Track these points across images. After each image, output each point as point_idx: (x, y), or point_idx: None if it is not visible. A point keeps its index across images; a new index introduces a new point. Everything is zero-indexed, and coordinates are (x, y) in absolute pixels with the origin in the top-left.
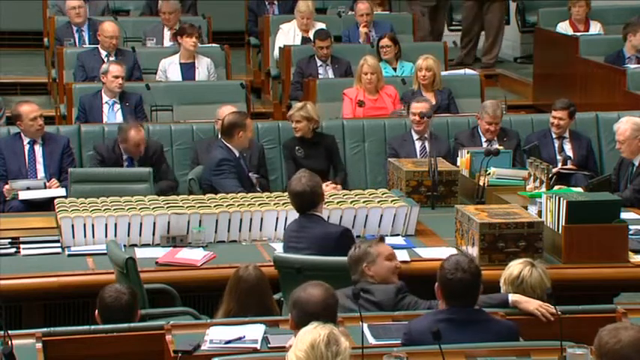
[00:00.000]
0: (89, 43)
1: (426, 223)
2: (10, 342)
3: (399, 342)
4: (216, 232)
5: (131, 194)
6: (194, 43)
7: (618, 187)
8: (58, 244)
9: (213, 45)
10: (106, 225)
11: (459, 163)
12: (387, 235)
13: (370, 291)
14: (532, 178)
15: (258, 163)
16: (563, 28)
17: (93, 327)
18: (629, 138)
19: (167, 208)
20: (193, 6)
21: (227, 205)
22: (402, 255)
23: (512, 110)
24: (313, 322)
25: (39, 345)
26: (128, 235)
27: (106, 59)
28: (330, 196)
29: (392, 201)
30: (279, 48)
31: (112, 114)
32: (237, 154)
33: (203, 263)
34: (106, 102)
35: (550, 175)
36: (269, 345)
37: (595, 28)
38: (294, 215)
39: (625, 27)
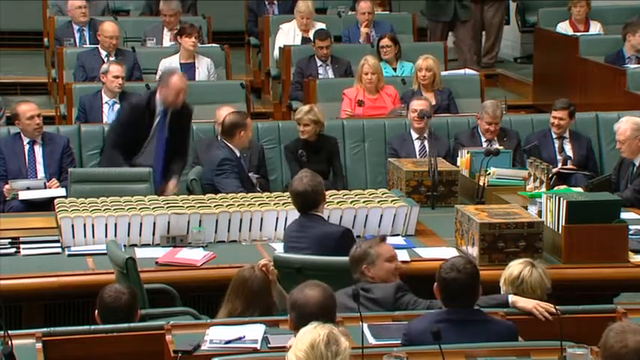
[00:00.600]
0: (90, 43)
1: (426, 223)
2: (10, 342)
3: (399, 342)
4: (216, 232)
5: (131, 194)
6: (194, 43)
7: (618, 187)
8: (58, 244)
9: (213, 45)
10: (106, 225)
11: (459, 163)
12: (387, 235)
13: (369, 289)
14: (532, 178)
15: (258, 163)
16: (563, 28)
17: (93, 327)
18: (629, 138)
19: (167, 208)
20: (193, 6)
21: (227, 205)
22: (402, 255)
23: (512, 110)
24: (313, 322)
25: (39, 345)
26: (128, 235)
27: (106, 59)
28: (330, 196)
29: (392, 201)
30: (279, 48)
31: (112, 114)
32: (238, 154)
33: (203, 263)
34: (106, 102)
35: (550, 175)
36: (269, 345)
37: (595, 28)
38: (294, 215)
39: (624, 27)
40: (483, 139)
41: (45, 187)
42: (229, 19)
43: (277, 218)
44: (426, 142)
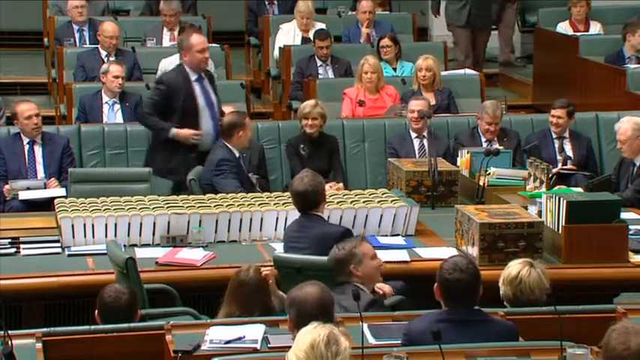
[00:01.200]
0: (90, 43)
1: (426, 223)
2: (10, 342)
3: (399, 342)
4: (216, 232)
5: (131, 194)
6: None
7: (618, 187)
8: (58, 244)
9: (213, 45)
10: (106, 225)
11: (459, 163)
12: (386, 235)
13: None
14: (532, 178)
15: (258, 163)
16: (563, 28)
17: (93, 327)
18: (630, 138)
19: (167, 208)
20: (193, 6)
21: (227, 205)
22: (402, 255)
23: (512, 110)
24: (312, 322)
25: (39, 345)
26: (128, 235)
27: (106, 59)
28: (330, 196)
29: (392, 201)
30: (279, 48)
31: (112, 114)
32: (237, 155)
33: (203, 263)
34: (106, 102)
35: (550, 175)
36: (269, 345)
37: (595, 28)
38: (294, 215)
39: (624, 27)
40: (483, 139)
41: (45, 187)
42: (229, 19)
43: (277, 218)
44: (425, 141)
